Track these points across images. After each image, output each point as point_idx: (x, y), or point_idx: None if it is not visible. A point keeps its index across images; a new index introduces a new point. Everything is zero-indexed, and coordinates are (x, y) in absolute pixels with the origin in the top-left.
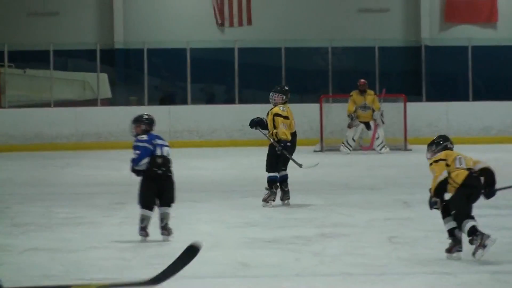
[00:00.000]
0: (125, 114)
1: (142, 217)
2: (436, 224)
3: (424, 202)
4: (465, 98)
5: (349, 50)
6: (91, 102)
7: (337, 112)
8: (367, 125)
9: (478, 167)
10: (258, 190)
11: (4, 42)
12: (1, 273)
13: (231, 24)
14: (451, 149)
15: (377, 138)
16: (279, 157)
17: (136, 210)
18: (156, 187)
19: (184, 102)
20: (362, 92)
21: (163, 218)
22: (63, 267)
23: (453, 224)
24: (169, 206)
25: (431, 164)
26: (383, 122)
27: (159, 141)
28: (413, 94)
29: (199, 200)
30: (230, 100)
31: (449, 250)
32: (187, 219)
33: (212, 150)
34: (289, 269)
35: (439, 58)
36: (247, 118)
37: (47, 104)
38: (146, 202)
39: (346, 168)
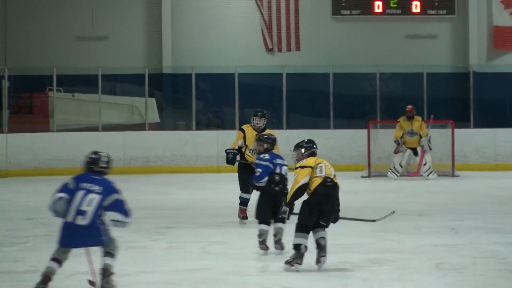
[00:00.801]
0: (173, 138)
1: (260, 231)
2: (484, 251)
3: (473, 228)
4: None
5: (397, 76)
6: (139, 127)
7: (384, 137)
8: (415, 151)
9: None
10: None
11: (53, 66)
12: None
13: (280, 50)
14: (316, 154)
15: (425, 164)
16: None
17: (183, 235)
18: (273, 203)
19: (231, 127)
20: (410, 118)
21: (277, 233)
22: None
23: (299, 241)
24: (283, 222)
25: (296, 168)
26: (430, 148)
27: (279, 161)
28: (461, 120)
29: (246, 225)
30: (277, 125)
31: (288, 262)
32: (234, 245)
33: None
34: None
35: (487, 84)
36: (294, 143)
37: (95, 128)
38: (264, 217)
39: (393, 193)
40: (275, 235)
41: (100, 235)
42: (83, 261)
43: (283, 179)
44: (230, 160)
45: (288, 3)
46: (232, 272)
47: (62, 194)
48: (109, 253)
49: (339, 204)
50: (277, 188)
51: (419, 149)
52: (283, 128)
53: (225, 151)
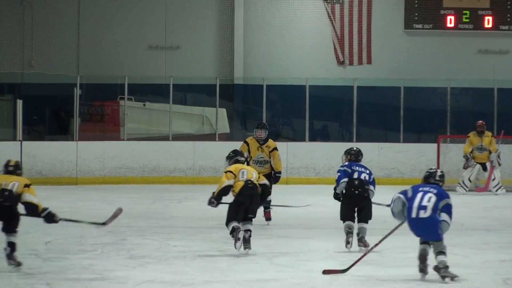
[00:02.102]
0: None
1: (346, 229)
2: None
3: None
4: None
5: (467, 91)
6: (209, 137)
7: (454, 152)
8: (484, 166)
9: (260, 182)
10: (372, 227)
11: (124, 75)
12: None
13: (351, 63)
14: (241, 162)
15: (493, 179)
16: None
17: (251, 246)
18: (354, 206)
19: (301, 139)
20: (480, 134)
21: (360, 233)
22: None
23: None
24: (366, 222)
25: (224, 172)
26: (499, 164)
27: (357, 168)
28: None
29: (314, 237)
30: (347, 138)
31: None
32: (301, 257)
33: (328, 187)
34: None
35: None
36: (364, 156)
37: (165, 138)
38: (346, 217)
39: (462, 208)
40: (358, 234)
41: (437, 228)
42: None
43: (361, 183)
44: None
45: (360, 17)
46: (299, 284)
47: (400, 195)
48: (441, 252)
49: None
50: (356, 192)
51: (488, 165)
52: (353, 141)
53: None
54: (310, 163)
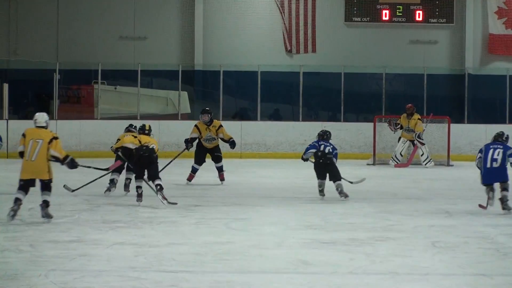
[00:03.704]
0: None
1: (318, 184)
2: (475, 232)
3: (465, 211)
4: (503, 121)
5: (400, 77)
6: (173, 116)
7: (388, 130)
8: (413, 143)
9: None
10: (317, 197)
11: (98, 62)
12: (91, 264)
13: (298, 51)
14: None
15: (422, 154)
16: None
17: (209, 212)
18: (322, 169)
19: (254, 118)
20: (409, 116)
21: (337, 187)
22: (146, 260)
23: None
24: (337, 180)
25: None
26: (421, 144)
27: (323, 143)
28: (456, 117)
29: (265, 205)
30: (294, 118)
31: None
32: (254, 222)
33: (278, 161)
34: (344, 267)
35: (480, 85)
36: (309, 134)
37: (134, 117)
38: (317, 176)
39: (395, 180)
40: (336, 189)
41: (505, 172)
42: (120, 233)
43: (323, 153)
44: (188, 147)
45: (306, 10)
46: (252, 245)
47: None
48: (506, 189)
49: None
50: (320, 161)
51: (415, 142)
52: (299, 120)
53: (184, 140)
54: (261, 140)
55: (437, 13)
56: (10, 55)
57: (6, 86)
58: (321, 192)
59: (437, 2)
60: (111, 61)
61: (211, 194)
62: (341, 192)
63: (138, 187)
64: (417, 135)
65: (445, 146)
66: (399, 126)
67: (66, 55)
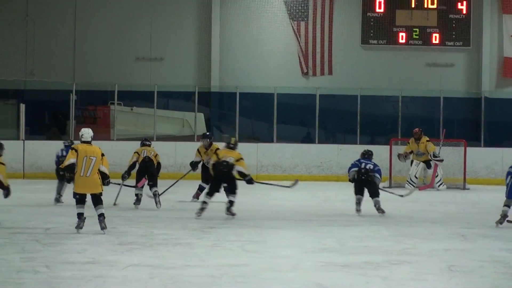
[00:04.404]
0: None
1: (356, 200)
2: (491, 256)
3: (481, 235)
4: None
5: (416, 100)
6: (189, 138)
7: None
8: (428, 164)
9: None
10: (333, 220)
11: (114, 83)
12: (106, 285)
13: (314, 73)
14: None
15: (436, 175)
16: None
17: (225, 234)
18: (362, 185)
19: (270, 140)
20: (417, 140)
21: (375, 204)
22: (161, 282)
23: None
24: (375, 197)
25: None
26: (439, 160)
27: (364, 161)
28: (473, 140)
29: (280, 227)
30: (310, 140)
31: None
32: (269, 244)
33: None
34: None
35: (496, 108)
36: (325, 156)
37: (150, 138)
38: (356, 192)
39: (410, 203)
40: (374, 205)
41: None
42: (135, 255)
43: (366, 171)
44: (193, 169)
45: (322, 33)
46: (267, 268)
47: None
48: None
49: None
50: (363, 178)
51: (432, 163)
52: (315, 143)
53: (190, 163)
54: (277, 162)
55: (453, 36)
56: (27, 75)
57: (23, 107)
58: (358, 205)
59: (454, 25)
60: (127, 82)
61: (226, 216)
62: (379, 209)
63: (204, 203)
64: (431, 155)
65: (462, 170)
66: (408, 156)
67: (82, 75)
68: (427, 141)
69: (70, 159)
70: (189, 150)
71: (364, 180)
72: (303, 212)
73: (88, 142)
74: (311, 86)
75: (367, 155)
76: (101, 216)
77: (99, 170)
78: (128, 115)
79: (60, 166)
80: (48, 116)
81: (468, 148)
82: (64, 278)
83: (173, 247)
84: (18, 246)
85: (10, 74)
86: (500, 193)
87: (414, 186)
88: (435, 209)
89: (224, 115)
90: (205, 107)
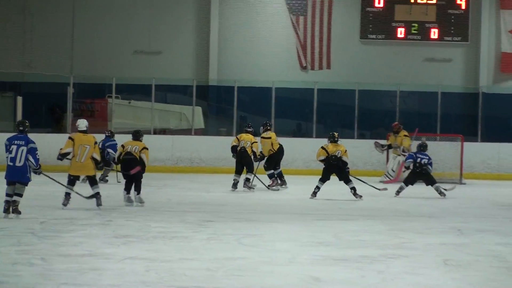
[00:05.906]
0: (216, 143)
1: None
2: (486, 250)
3: (477, 230)
4: None
5: (414, 94)
6: (186, 131)
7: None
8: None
9: None
10: (330, 214)
11: (112, 76)
12: (103, 278)
13: (312, 68)
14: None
15: (404, 171)
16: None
17: (221, 227)
18: (416, 176)
19: None
20: (395, 133)
21: (436, 189)
22: (157, 274)
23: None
24: (433, 184)
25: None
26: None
27: (420, 155)
28: (470, 135)
29: (277, 221)
30: (308, 134)
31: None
32: (266, 238)
33: (291, 177)
34: (355, 284)
35: (493, 103)
36: None
37: (147, 132)
38: (409, 182)
39: (407, 197)
40: (436, 190)
41: None
42: (132, 248)
43: (421, 165)
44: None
45: (321, 28)
46: (263, 262)
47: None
48: None
49: None
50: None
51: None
52: (312, 137)
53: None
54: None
55: (452, 31)
56: (24, 68)
57: (20, 99)
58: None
59: (453, 20)
60: (125, 75)
61: (223, 209)
62: (441, 192)
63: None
64: (401, 149)
65: (458, 164)
66: (386, 147)
67: (80, 68)
68: (405, 135)
69: (67, 148)
70: (187, 144)
71: (419, 172)
72: (300, 206)
73: (84, 132)
74: (310, 80)
75: (422, 147)
76: (97, 194)
77: (92, 156)
78: (125, 108)
79: (59, 153)
80: (45, 109)
81: (465, 143)
82: (59, 271)
83: (169, 240)
84: (14, 239)
85: (8, 67)
86: (497, 188)
87: (391, 179)
88: (431, 203)
89: (222, 109)
90: (203, 101)
